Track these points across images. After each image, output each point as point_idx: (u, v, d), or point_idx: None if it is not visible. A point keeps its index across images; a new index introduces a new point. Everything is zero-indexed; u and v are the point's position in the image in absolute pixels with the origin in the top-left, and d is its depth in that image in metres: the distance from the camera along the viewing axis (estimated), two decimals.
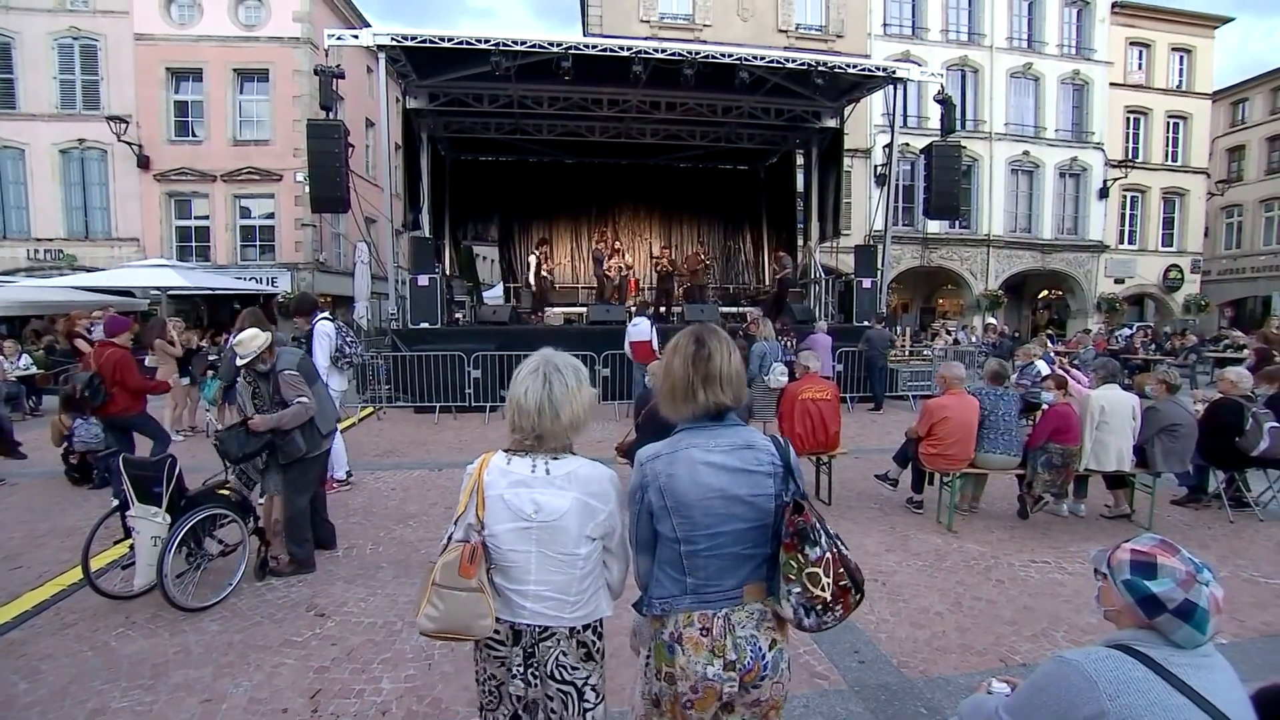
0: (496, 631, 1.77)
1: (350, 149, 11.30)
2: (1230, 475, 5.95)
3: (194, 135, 19.80)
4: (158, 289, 14.46)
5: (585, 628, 1.83)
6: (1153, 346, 16.13)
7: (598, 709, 1.87)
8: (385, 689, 3.12)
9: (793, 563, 1.63)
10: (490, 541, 1.77)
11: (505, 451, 1.84)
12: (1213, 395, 6.11)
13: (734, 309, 14.16)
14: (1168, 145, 27.17)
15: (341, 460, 6.41)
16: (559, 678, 1.80)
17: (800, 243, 15.87)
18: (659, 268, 15.22)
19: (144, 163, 19.14)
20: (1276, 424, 5.42)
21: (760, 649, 1.70)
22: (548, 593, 1.78)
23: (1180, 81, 27.32)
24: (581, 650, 1.83)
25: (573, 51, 11.19)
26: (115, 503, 4.02)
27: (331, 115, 11.17)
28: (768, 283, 16.28)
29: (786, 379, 6.94)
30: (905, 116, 21.76)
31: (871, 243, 14.71)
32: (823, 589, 1.60)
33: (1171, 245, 27.25)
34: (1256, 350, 9.52)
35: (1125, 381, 6.23)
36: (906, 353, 14.18)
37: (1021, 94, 24.58)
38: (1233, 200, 30.53)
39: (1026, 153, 24.39)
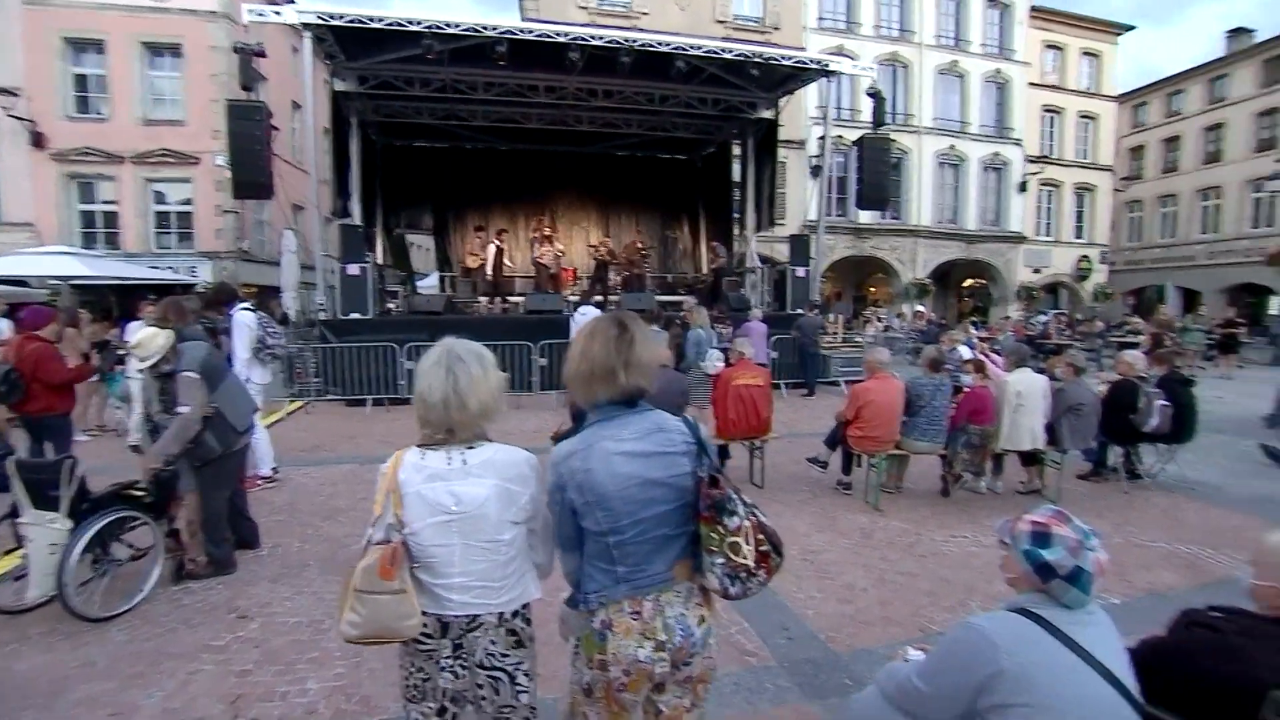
0: (424, 625, 1.74)
1: (274, 132, 10.79)
2: (1126, 450, 6.40)
3: (97, 113, 18.37)
4: (57, 279, 13.34)
5: (514, 614, 1.83)
6: (1066, 332, 17.10)
7: (529, 694, 1.87)
8: (311, 689, 3.03)
9: (713, 535, 1.66)
10: (411, 539, 1.74)
11: (419, 447, 1.81)
12: (1113, 377, 6.52)
13: (672, 297, 14.24)
14: (1078, 143, 28.78)
15: (266, 456, 6.16)
16: (489, 665, 1.79)
17: (736, 232, 16.09)
18: (595, 256, 15.18)
19: (37, 140, 17.62)
20: (1165, 402, 5.86)
21: (689, 627, 1.73)
22: (473, 582, 1.76)
23: (1089, 84, 28.94)
24: (511, 638, 1.82)
25: (508, 36, 10.98)
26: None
27: (253, 96, 10.64)
28: (705, 271, 16.46)
29: (722, 365, 7.04)
30: (839, 109, 22.30)
31: (806, 232, 15.06)
32: (745, 556, 1.64)
33: (1082, 237, 28.96)
34: (1151, 335, 10.27)
35: (1038, 365, 6.58)
36: (839, 339, 14.59)
37: (948, 90, 25.52)
38: (1134, 196, 32.70)
39: (953, 147, 25.38)
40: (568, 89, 13.00)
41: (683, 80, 12.47)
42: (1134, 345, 10.46)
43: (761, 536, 1.68)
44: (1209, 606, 2.03)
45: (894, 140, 21.83)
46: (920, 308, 20.11)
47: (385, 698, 2.94)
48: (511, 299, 14.58)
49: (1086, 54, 28.85)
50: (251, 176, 10.42)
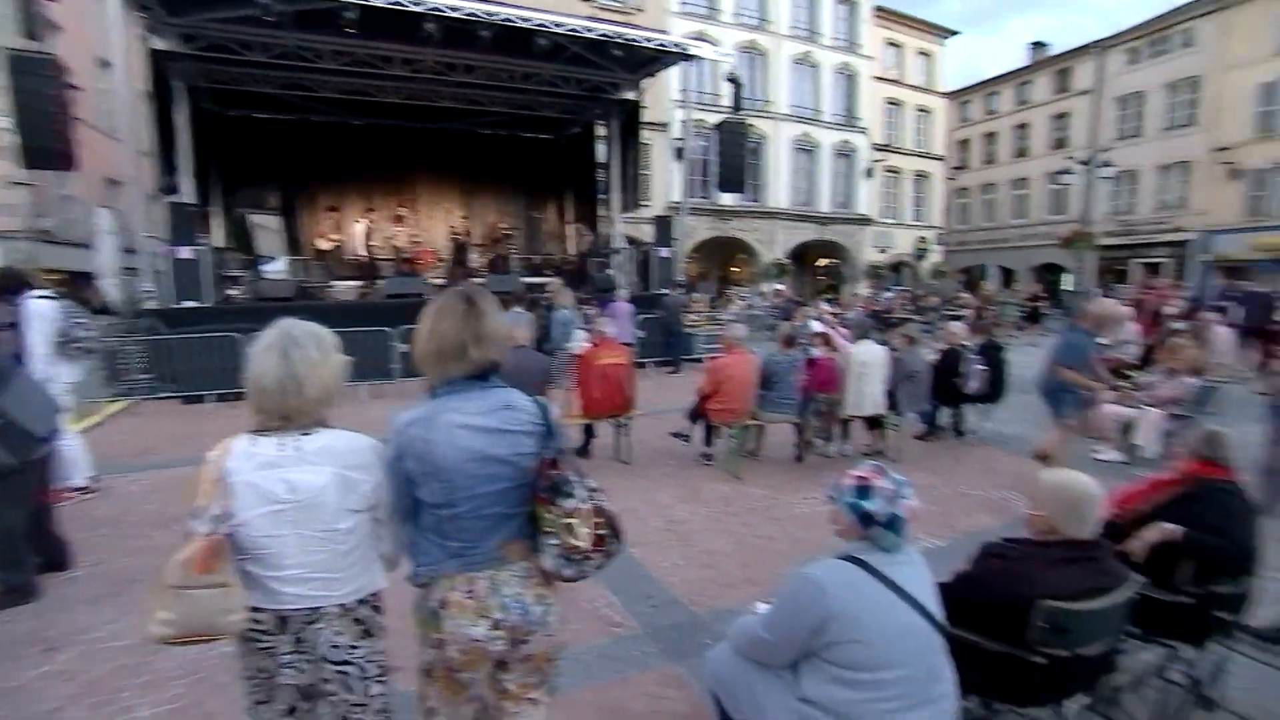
0: (259, 621, 1.65)
1: (74, 92, 9.43)
2: (954, 410, 7.17)
3: None
4: None
5: (360, 602, 1.76)
6: (908, 307, 18.75)
7: (382, 686, 1.82)
8: (144, 717, 2.76)
9: (547, 515, 1.67)
10: (241, 531, 1.63)
11: (250, 434, 1.69)
12: (943, 346, 7.26)
13: (538, 279, 14.07)
14: (915, 134, 31.47)
15: (78, 464, 5.45)
16: (335, 659, 1.72)
17: (602, 213, 16.12)
18: (453, 237, 14.68)
19: None
20: (982, 366, 6.63)
21: (526, 606, 1.74)
22: (311, 574, 1.68)
23: (924, 81, 31.68)
24: (358, 627, 1.76)
25: (357, 2, 10.23)
26: None
27: (42, 47, 9.22)
28: (571, 253, 16.40)
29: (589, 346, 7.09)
30: (700, 93, 22.88)
31: (669, 214, 15.38)
32: (579, 539, 1.65)
33: (920, 220, 31.80)
34: (974, 308, 11.58)
35: (880, 337, 7.17)
36: (704, 318, 15.12)
37: (802, 79, 26.89)
38: (963, 184, 36.42)
39: (807, 134, 26.83)
40: (425, 62, 12.37)
41: (546, 58, 12.23)
42: (961, 318, 11.70)
43: (600, 520, 1.69)
44: (1003, 539, 2.34)
45: (752, 125, 22.81)
46: (779, 286, 21.27)
47: (232, 711, 2.72)
48: (359, 281, 13.81)
49: (921, 53, 31.55)
50: (44, 143, 9.02)
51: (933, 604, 1.87)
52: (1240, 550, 2.48)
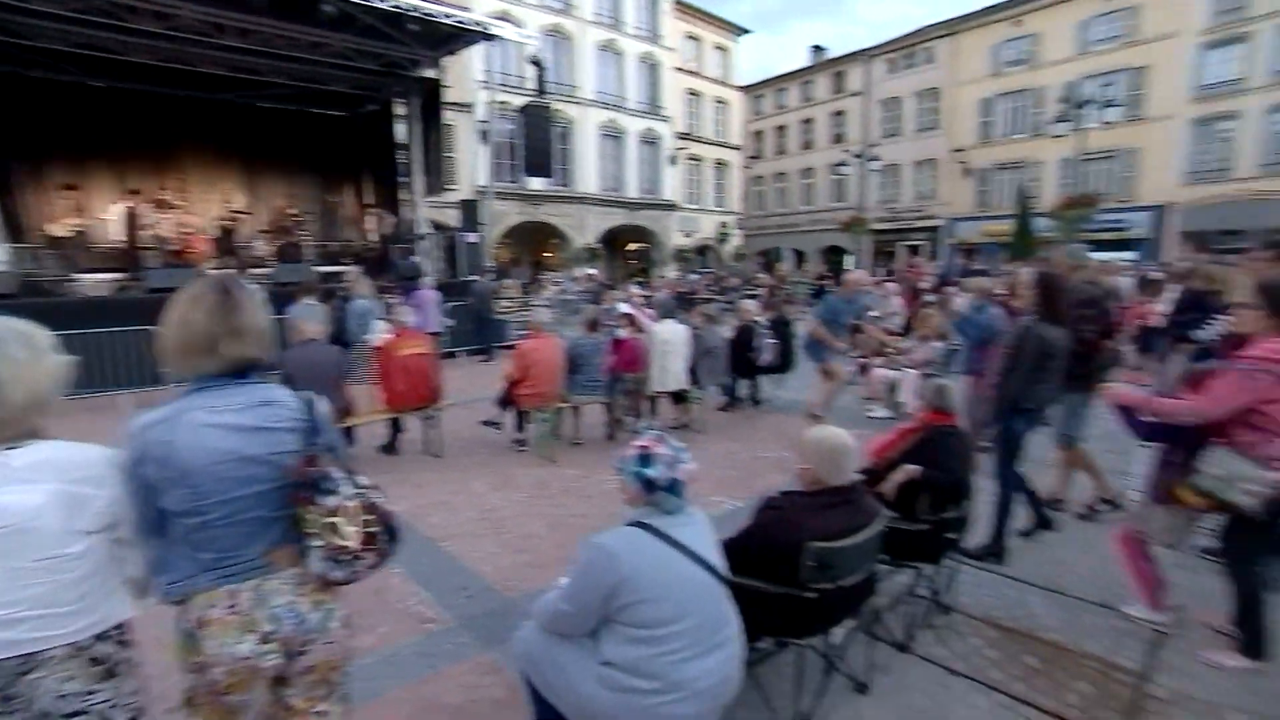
0: None
1: None
2: (750, 381, 7.80)
3: None
4: None
5: (99, 638, 1.51)
6: (713, 288, 19.97)
7: None
8: None
9: (308, 515, 1.56)
10: None
11: None
12: (737, 323, 7.84)
13: (337, 268, 12.99)
14: (715, 124, 33.40)
15: None
16: (66, 710, 1.45)
17: (405, 197, 15.21)
18: (228, 221, 13.10)
19: None
20: (773, 340, 7.28)
21: (300, 614, 1.62)
22: (24, 612, 1.41)
23: (721, 74, 33.65)
24: (96, 668, 1.50)
25: None
26: None
27: None
28: (373, 240, 15.36)
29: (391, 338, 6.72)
30: (506, 74, 22.39)
31: (476, 198, 14.95)
32: (345, 538, 1.55)
33: (722, 206, 33.89)
34: (768, 287, 12.69)
35: (682, 316, 7.57)
36: (517, 304, 14.95)
37: (607, 66, 27.28)
38: (758, 173, 39.44)
39: (613, 120, 27.33)
40: (182, 17, 10.77)
41: (333, 27, 11.23)
42: (757, 297, 12.74)
43: (370, 517, 1.59)
44: (780, 492, 2.59)
45: (559, 110, 22.81)
46: (591, 271, 21.61)
47: None
48: (117, 274, 11.87)
49: (718, 48, 33.45)
50: None
51: (715, 558, 2.03)
52: (961, 482, 2.98)
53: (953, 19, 30.24)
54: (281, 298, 7.56)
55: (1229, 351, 2.93)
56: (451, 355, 11.61)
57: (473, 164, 21.01)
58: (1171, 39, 24.29)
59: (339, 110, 15.67)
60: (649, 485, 1.95)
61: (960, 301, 7.72)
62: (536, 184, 23.13)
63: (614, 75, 27.48)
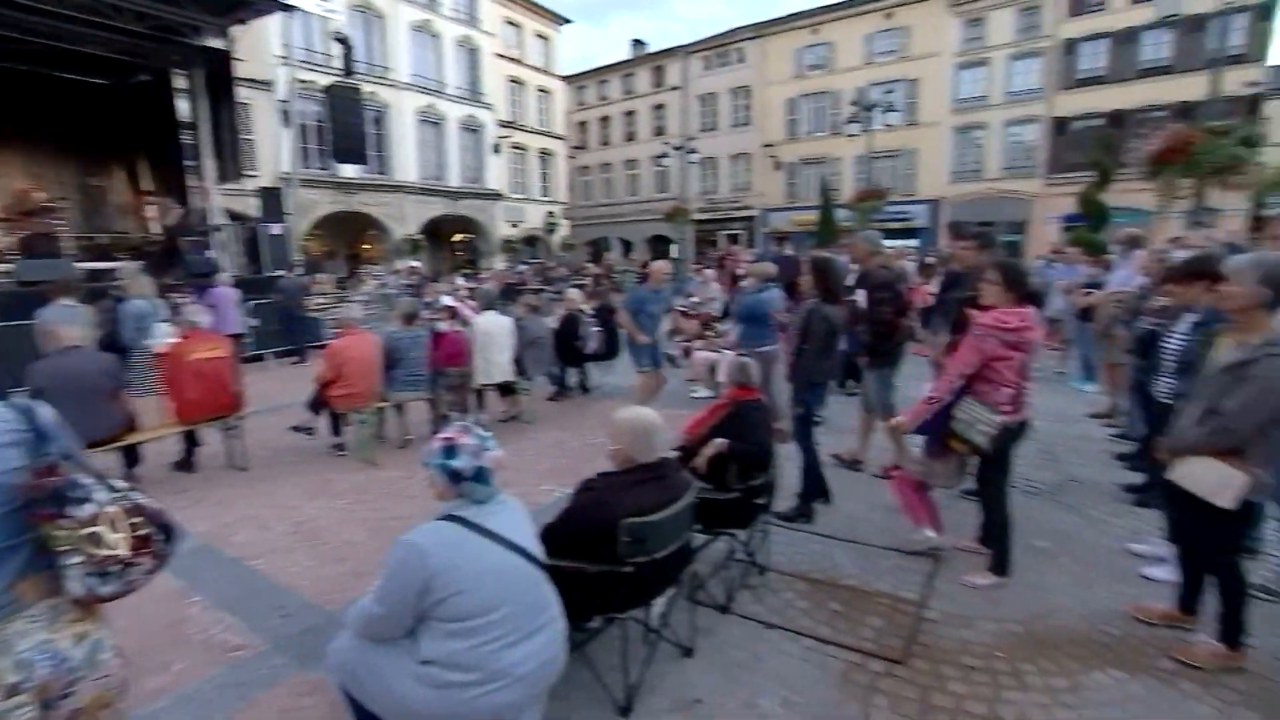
0: None
1: None
2: (578, 370, 7.92)
3: None
4: None
5: None
6: (539, 278, 19.84)
7: None
8: None
9: (58, 532, 1.39)
10: None
11: None
12: (562, 312, 7.91)
13: (108, 264, 11.20)
14: (538, 113, 33.08)
15: None
16: None
17: (194, 183, 13.42)
18: None
19: None
20: (599, 329, 7.43)
21: (59, 653, 1.44)
22: None
23: (543, 63, 33.34)
24: None
25: None
26: None
27: None
28: (155, 231, 13.49)
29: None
30: (310, 51, 20.56)
31: (280, 186, 13.63)
32: (112, 546, 1.42)
33: (548, 196, 33.73)
34: (594, 276, 12.90)
35: (503, 306, 7.50)
36: (333, 300, 13.89)
37: (423, 48, 25.94)
38: (584, 163, 39.73)
39: (432, 105, 26.10)
40: None
41: None
42: (583, 285, 12.90)
43: (138, 519, 1.46)
44: (598, 474, 2.68)
45: (371, 92, 21.40)
46: (414, 263, 20.56)
47: None
48: None
49: (539, 36, 33.04)
50: None
51: (530, 543, 2.07)
52: (765, 451, 3.26)
53: (760, 23, 32.51)
54: (28, 299, 6.46)
55: (962, 320, 3.55)
56: (258, 358, 10.57)
57: (275, 148, 19.04)
58: (935, 57, 28.07)
59: (98, 78, 13.39)
60: (455, 477, 1.96)
61: (748, 283, 8.37)
62: (349, 171, 21.53)
63: (431, 59, 26.24)
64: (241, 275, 11.05)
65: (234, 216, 13.97)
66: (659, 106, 36.51)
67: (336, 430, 5.88)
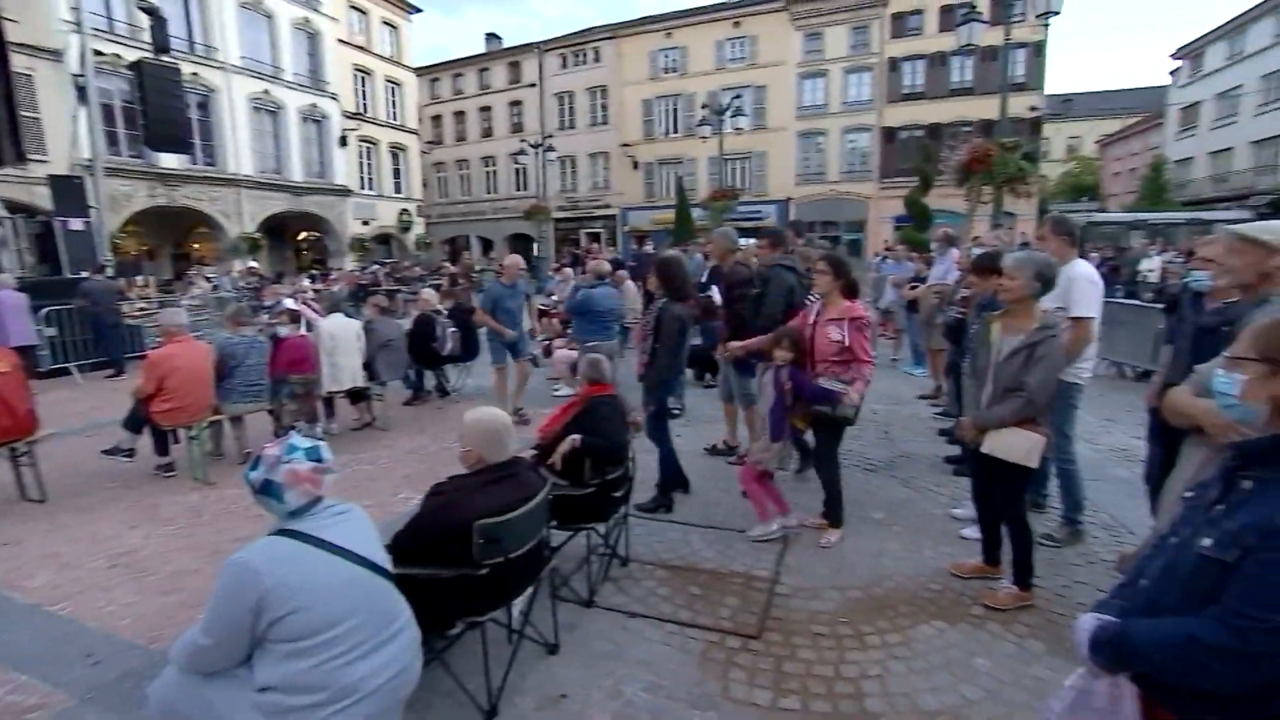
0: None
1: None
2: (436, 372, 7.65)
3: None
4: None
5: None
6: (394, 278, 18.93)
7: None
8: None
9: None
10: None
11: None
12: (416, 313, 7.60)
13: None
14: (388, 106, 31.43)
15: None
16: None
17: None
18: None
19: None
20: (455, 329, 7.22)
21: None
22: None
23: (392, 53, 31.69)
24: None
25: None
26: None
27: None
28: None
29: None
30: (112, 20, 18.24)
31: (78, 174, 11.93)
32: None
33: (401, 192, 32.16)
34: (450, 275, 12.49)
35: (349, 308, 7.09)
36: (157, 305, 12.41)
37: (255, 29, 23.79)
38: (439, 159, 38.33)
39: (267, 92, 24.02)
40: None
41: None
42: (439, 285, 12.44)
43: None
44: (448, 477, 2.61)
45: (194, 73, 19.36)
46: (252, 263, 18.85)
47: None
48: None
49: (387, 24, 31.33)
50: None
51: (374, 552, 1.99)
52: (619, 444, 3.33)
53: (615, 24, 32.97)
54: None
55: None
56: (61, 372, 9.25)
57: (70, 130, 16.57)
58: (780, 66, 29.89)
59: None
60: (258, 489, 1.87)
61: (631, 287, 8.54)
62: (171, 161, 19.32)
63: (265, 41, 24.15)
64: (30, 277, 9.56)
65: (16, 208, 12.05)
66: (516, 103, 35.97)
67: (163, 449, 5.27)
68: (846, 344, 3.66)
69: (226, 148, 22.48)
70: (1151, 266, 13.47)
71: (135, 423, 5.15)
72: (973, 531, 3.82)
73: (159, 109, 10.75)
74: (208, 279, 16.23)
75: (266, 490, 1.86)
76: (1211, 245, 3.31)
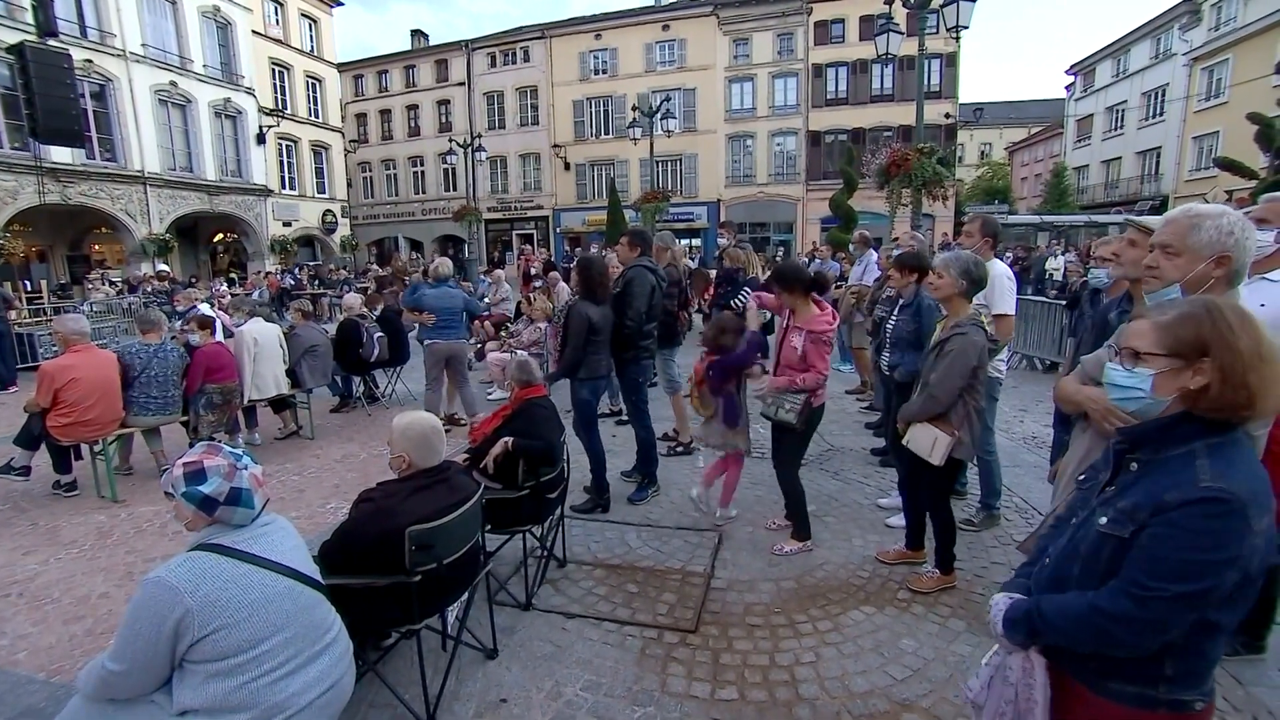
0: None
1: None
2: (363, 378, 7.41)
3: None
4: None
5: None
6: (316, 282, 18.23)
7: None
8: None
9: None
10: None
11: None
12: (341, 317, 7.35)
13: None
14: (309, 102, 30.17)
15: None
16: None
17: None
18: None
19: None
20: (381, 334, 7.02)
21: None
22: None
23: (313, 47, 30.42)
24: None
25: None
26: None
27: None
28: None
29: None
30: None
31: None
32: None
33: (325, 192, 30.90)
34: (377, 280, 12.16)
35: (267, 312, 6.80)
36: (48, 312, 11.53)
37: (158, 15, 22.31)
38: (364, 158, 37.08)
39: (174, 83, 22.63)
40: None
41: None
42: (365, 289, 12.09)
43: None
44: (377, 484, 2.55)
45: (88, 60, 18.05)
46: (162, 267, 17.73)
47: None
48: None
49: (306, 16, 30.02)
50: None
51: (302, 563, 1.92)
52: (551, 445, 3.32)
53: (545, 24, 32.67)
54: None
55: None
56: None
57: None
58: (708, 70, 30.31)
59: None
60: (208, 504, 1.75)
61: (563, 288, 8.49)
62: (62, 155, 17.97)
63: (169, 29, 22.71)
64: None
65: None
66: (444, 102, 35.15)
67: (64, 467, 4.90)
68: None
69: (129, 142, 21.02)
70: (1057, 265, 14.41)
71: (29, 439, 4.78)
72: (898, 520, 3.99)
73: (49, 100, 9.92)
74: (111, 283, 15.21)
75: (237, 500, 1.78)
76: (1108, 245, 3.58)
